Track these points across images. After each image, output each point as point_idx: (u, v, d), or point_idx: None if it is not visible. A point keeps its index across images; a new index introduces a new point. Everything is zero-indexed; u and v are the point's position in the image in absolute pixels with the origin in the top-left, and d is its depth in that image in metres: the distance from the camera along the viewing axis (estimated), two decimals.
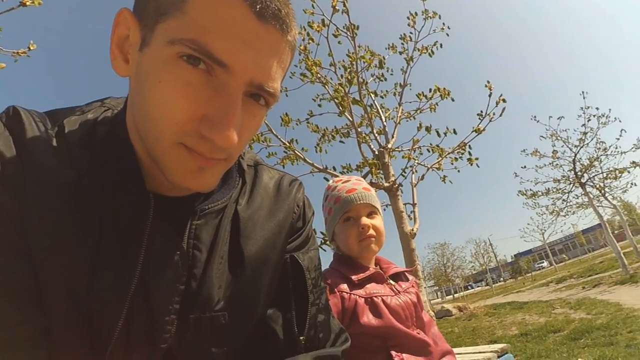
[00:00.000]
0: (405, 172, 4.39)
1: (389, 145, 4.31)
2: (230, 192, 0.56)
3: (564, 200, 13.10)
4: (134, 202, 0.46)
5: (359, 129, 4.33)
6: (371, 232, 1.10)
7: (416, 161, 4.46)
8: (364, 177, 4.38)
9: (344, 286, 1.03)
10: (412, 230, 4.02)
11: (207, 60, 0.37)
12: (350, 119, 4.25)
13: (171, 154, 0.41)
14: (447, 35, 4.51)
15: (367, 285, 1.05)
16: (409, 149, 4.48)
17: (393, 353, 0.96)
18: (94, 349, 0.44)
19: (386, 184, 4.05)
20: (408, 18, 4.39)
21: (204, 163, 0.41)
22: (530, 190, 13.12)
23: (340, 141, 4.76)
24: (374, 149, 4.38)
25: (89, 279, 0.43)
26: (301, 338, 0.58)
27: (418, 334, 1.03)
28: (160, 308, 0.47)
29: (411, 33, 4.46)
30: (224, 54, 0.37)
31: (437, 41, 4.54)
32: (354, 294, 1.02)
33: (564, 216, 13.74)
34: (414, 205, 4.22)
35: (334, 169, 4.38)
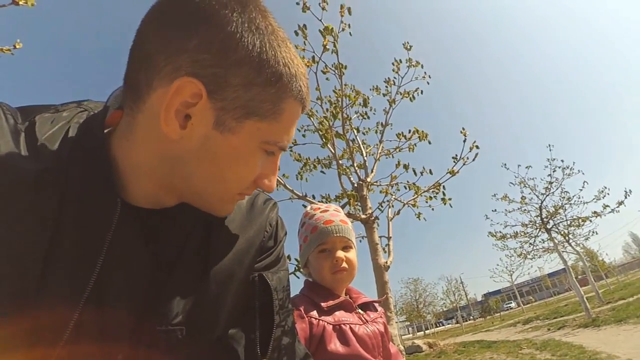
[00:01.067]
0: (382, 206, 4.53)
1: (368, 179, 4.47)
2: None
3: (530, 243, 13.54)
4: (99, 204, 0.45)
5: (340, 161, 4.48)
6: (344, 265, 1.11)
7: (393, 196, 4.62)
8: (342, 207, 4.47)
9: (314, 312, 1.04)
10: (386, 262, 4.11)
11: (278, 149, 0.52)
12: (333, 151, 4.41)
13: (228, 200, 0.53)
14: (428, 83, 4.83)
15: (336, 313, 1.06)
16: (387, 184, 4.66)
17: None
18: (38, 355, 0.41)
19: (363, 216, 4.17)
20: (393, 64, 4.69)
21: (243, 198, 0.58)
22: (500, 232, 13.54)
23: (321, 171, 4.89)
24: (353, 181, 4.52)
25: (40, 276, 0.41)
26: None
27: None
28: (114, 318, 0.45)
29: (395, 78, 4.75)
30: (287, 144, 0.52)
31: (418, 87, 4.84)
32: (322, 320, 1.02)
33: (531, 259, 14.17)
34: (389, 238, 4.32)
35: (313, 197, 4.48)
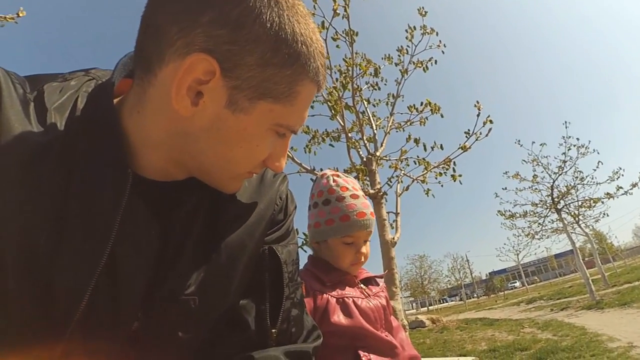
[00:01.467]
0: (390, 182, 4.45)
1: (378, 153, 4.37)
2: None
3: (539, 224, 13.50)
4: (110, 176, 0.44)
5: (350, 134, 4.37)
6: (363, 259, 1.13)
7: (402, 172, 4.52)
8: None
9: (317, 286, 1.06)
10: (393, 238, 4.07)
11: (289, 132, 0.51)
12: (342, 124, 4.29)
13: (237, 177, 0.53)
14: (443, 52, 4.61)
15: (339, 287, 1.08)
16: (396, 159, 4.54)
17: (361, 353, 0.99)
18: (53, 326, 0.42)
19: (372, 191, 4.09)
20: (406, 31, 4.47)
21: (251, 177, 0.57)
22: (509, 211, 13.50)
23: (330, 144, 4.78)
24: (362, 155, 4.42)
25: (52, 248, 0.41)
26: (273, 331, 0.58)
27: (386, 336, 1.05)
28: (128, 289, 0.46)
29: (408, 46, 4.54)
30: (299, 127, 0.52)
31: (432, 57, 4.63)
32: (326, 294, 1.04)
33: (539, 239, 14.14)
34: (396, 214, 4.26)
35: (321, 170, 4.41)
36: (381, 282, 1.22)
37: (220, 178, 0.52)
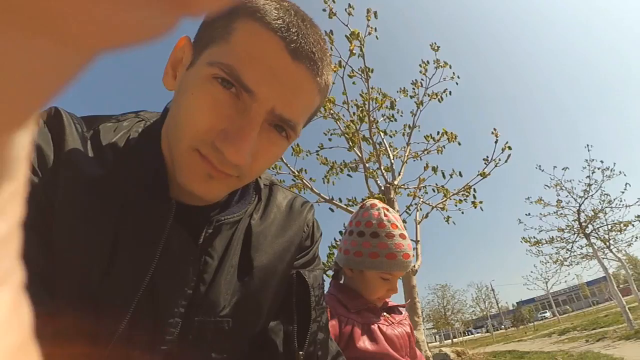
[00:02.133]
0: (409, 210, 4.49)
1: (395, 182, 4.44)
2: (246, 207, 0.59)
3: (568, 249, 12.94)
4: (156, 205, 0.48)
5: (367, 165, 4.47)
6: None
7: (421, 199, 4.56)
8: None
9: (342, 311, 1.06)
10: (414, 266, 4.06)
11: (236, 84, 0.42)
12: (359, 155, 4.42)
13: (186, 157, 0.45)
14: (457, 84, 4.76)
15: (364, 313, 1.09)
16: (414, 187, 4.60)
17: None
18: (97, 340, 0.44)
19: None
20: (420, 65, 4.65)
21: (213, 172, 0.45)
22: (534, 237, 12.97)
23: (348, 175, 4.90)
24: (380, 184, 4.50)
25: (103, 270, 0.45)
26: (300, 353, 0.59)
27: None
28: (167, 309, 0.49)
29: (422, 79, 4.72)
30: (252, 82, 0.42)
31: (446, 89, 4.77)
32: (351, 319, 1.04)
33: (568, 266, 13.50)
34: (416, 242, 4.27)
35: (340, 200, 4.50)
36: (404, 310, 1.23)
37: (176, 159, 0.47)
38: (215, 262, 0.53)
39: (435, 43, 4.59)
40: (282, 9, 0.44)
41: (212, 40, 0.44)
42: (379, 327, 1.06)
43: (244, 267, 0.56)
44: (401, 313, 1.20)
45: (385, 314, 1.14)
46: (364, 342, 1.01)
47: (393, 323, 1.12)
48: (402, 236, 1.14)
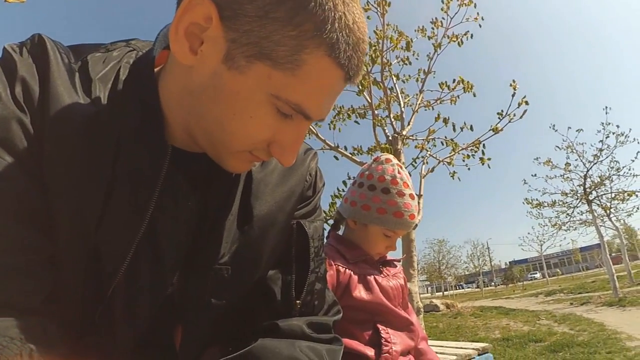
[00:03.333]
0: (415, 162, 4.34)
1: (404, 132, 4.24)
2: None
3: (568, 214, 13.06)
4: (151, 148, 0.46)
5: (376, 112, 4.24)
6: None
7: (428, 152, 4.39)
8: None
9: (340, 261, 1.09)
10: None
11: (298, 115, 0.44)
12: (369, 100, 4.16)
13: (236, 155, 0.48)
14: (480, 26, 4.35)
15: (361, 265, 1.12)
16: (423, 139, 4.40)
17: (379, 327, 1.04)
18: (97, 286, 0.44)
19: None
20: (442, 2, 4.22)
21: (256, 161, 0.51)
22: (537, 199, 13.03)
23: (355, 121, 4.67)
24: (388, 133, 4.30)
25: (99, 214, 0.43)
26: (297, 302, 0.60)
27: (404, 313, 1.11)
28: (166, 255, 0.48)
29: (443, 18, 4.31)
30: (313, 113, 0.45)
31: (468, 31, 4.37)
32: (348, 269, 1.07)
33: (566, 230, 13.72)
34: (419, 196, 4.17)
35: (345, 148, 4.33)
36: (399, 265, 1.27)
37: (220, 151, 0.48)
38: (215, 209, 0.53)
39: None
40: (352, 35, 0.42)
41: (268, 56, 0.40)
42: (374, 278, 1.10)
43: (243, 215, 0.55)
44: (396, 267, 1.24)
45: (381, 266, 1.19)
46: (360, 292, 1.05)
47: (388, 275, 1.16)
48: (411, 196, 1.15)
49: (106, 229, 0.44)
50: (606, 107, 11.55)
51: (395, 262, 1.25)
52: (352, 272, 1.07)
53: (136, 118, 0.46)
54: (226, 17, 0.40)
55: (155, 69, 0.51)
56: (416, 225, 4.15)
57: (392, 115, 4.29)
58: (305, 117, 0.45)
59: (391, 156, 1.21)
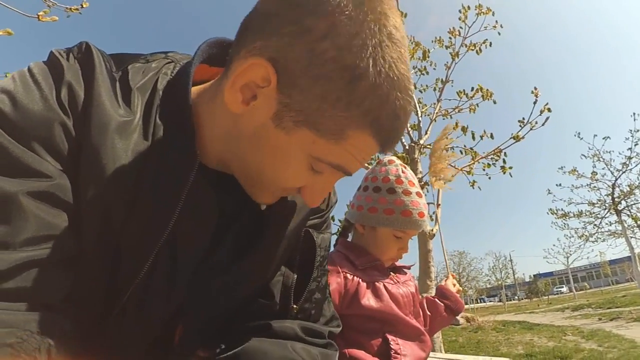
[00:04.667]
0: None
1: (421, 141, 4.21)
2: None
3: (595, 225, 12.60)
4: (181, 157, 0.47)
5: None
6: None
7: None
8: None
9: (348, 268, 1.07)
10: (432, 230, 3.94)
11: (333, 170, 0.48)
12: None
13: (270, 193, 0.53)
14: (499, 34, 4.30)
15: (370, 272, 1.08)
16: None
17: (389, 337, 0.99)
18: (115, 289, 0.45)
19: None
20: (460, 11, 4.21)
21: (287, 197, 0.56)
22: (562, 210, 12.68)
23: None
24: (405, 143, 4.28)
25: (125, 216, 0.44)
26: (294, 306, 0.61)
27: (414, 322, 1.07)
28: (183, 264, 0.50)
29: (461, 27, 4.29)
30: (349, 171, 0.49)
31: (486, 39, 4.33)
32: (357, 276, 1.04)
33: (593, 242, 13.18)
34: (437, 205, 4.11)
35: None
36: (408, 272, 1.23)
37: (253, 187, 0.52)
38: (230, 221, 0.55)
39: None
40: (397, 121, 0.45)
41: (318, 127, 0.44)
42: (384, 285, 1.07)
43: (256, 227, 0.58)
44: (406, 273, 1.21)
45: (391, 273, 1.15)
46: (369, 299, 1.02)
47: (398, 282, 1.12)
48: (418, 194, 1.13)
49: (130, 233, 0.45)
50: (634, 114, 11.20)
51: (405, 269, 1.22)
52: (360, 279, 1.04)
53: (168, 129, 0.48)
54: (283, 84, 0.43)
55: (199, 86, 0.55)
56: (434, 234, 4.08)
57: (409, 125, 4.27)
58: (342, 171, 0.49)
59: (394, 157, 1.20)
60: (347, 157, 0.46)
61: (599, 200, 11.92)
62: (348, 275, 1.04)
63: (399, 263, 1.20)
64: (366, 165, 4.20)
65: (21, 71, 0.43)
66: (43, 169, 0.40)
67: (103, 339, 0.47)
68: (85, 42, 0.48)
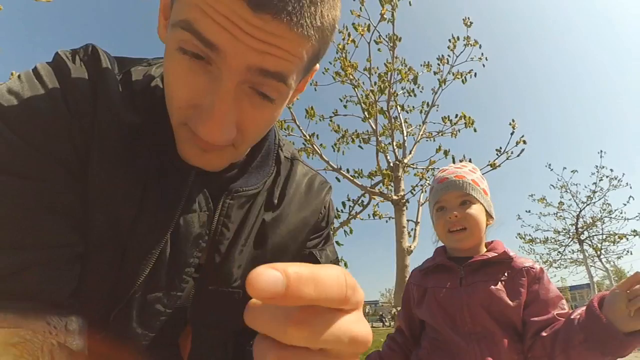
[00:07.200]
0: (414, 190, 4.44)
1: (405, 160, 4.36)
2: (264, 179, 0.58)
3: (559, 252, 13.10)
4: (179, 165, 0.48)
5: (380, 138, 4.37)
6: (459, 222, 1.00)
7: (427, 181, 4.49)
8: (375, 185, 4.42)
9: (413, 277, 1.11)
10: (410, 247, 4.06)
11: (198, 43, 0.37)
12: (374, 127, 4.30)
13: (178, 131, 0.45)
14: (484, 66, 4.56)
15: (430, 275, 1.04)
16: (423, 168, 4.52)
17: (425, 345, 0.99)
18: (118, 287, 0.46)
19: (394, 197, 4.09)
20: (449, 41, 4.44)
21: (205, 146, 0.43)
22: (530, 235, 13.11)
23: (359, 146, 4.80)
24: (390, 160, 4.42)
25: (132, 219, 0.45)
26: None
27: (460, 335, 0.91)
28: (182, 264, 0.50)
29: (449, 56, 4.52)
30: (213, 35, 0.36)
31: (472, 69, 4.58)
32: (415, 284, 1.07)
33: (556, 268, 13.70)
34: (416, 223, 4.25)
35: (347, 171, 4.43)
36: (528, 263, 0.97)
37: (175, 135, 0.46)
38: (231, 233, 0.54)
39: (468, 18, 4.35)
40: None
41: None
42: (434, 292, 0.98)
43: (258, 242, 0.57)
44: (511, 268, 0.96)
45: (462, 272, 0.98)
46: (418, 308, 1.03)
47: (467, 284, 0.95)
48: (442, 170, 1.12)
49: (135, 233, 0.45)
50: (601, 151, 11.89)
51: (502, 259, 0.98)
52: (413, 284, 1.07)
53: (168, 131, 0.47)
54: None
55: None
56: (411, 250, 4.20)
57: (395, 143, 4.42)
58: (205, 43, 0.37)
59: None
60: (195, 11, 0.36)
61: (564, 229, 12.47)
62: (410, 285, 1.09)
63: (486, 255, 0.99)
64: (357, 182, 4.29)
65: (27, 72, 0.43)
66: (49, 169, 0.40)
67: (105, 336, 0.46)
68: (91, 45, 0.48)
